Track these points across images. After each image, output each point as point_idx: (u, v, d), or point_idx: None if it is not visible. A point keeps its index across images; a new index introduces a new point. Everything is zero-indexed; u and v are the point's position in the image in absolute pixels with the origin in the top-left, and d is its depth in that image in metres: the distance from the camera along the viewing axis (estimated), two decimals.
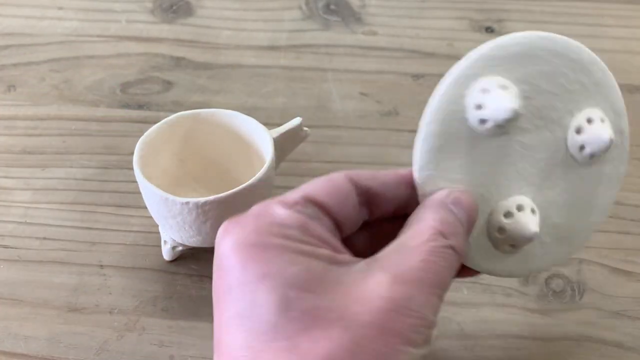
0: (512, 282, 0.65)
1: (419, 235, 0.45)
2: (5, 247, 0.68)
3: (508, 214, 0.49)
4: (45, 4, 0.97)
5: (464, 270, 0.50)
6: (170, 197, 0.59)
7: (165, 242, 0.66)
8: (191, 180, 0.70)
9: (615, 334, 0.61)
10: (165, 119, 0.66)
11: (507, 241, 0.49)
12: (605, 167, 0.52)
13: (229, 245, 0.44)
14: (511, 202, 0.49)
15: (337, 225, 0.46)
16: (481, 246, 0.50)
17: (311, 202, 0.45)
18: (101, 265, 0.67)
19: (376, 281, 0.41)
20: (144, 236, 0.69)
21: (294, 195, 0.45)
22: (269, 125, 0.66)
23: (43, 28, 0.94)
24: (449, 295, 0.59)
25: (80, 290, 0.65)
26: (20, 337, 0.61)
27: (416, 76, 0.85)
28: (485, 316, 0.63)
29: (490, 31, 0.92)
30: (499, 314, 0.63)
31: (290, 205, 0.44)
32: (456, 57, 0.87)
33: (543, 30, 0.89)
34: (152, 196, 0.61)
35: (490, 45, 0.50)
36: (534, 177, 0.50)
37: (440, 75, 0.83)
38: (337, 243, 0.45)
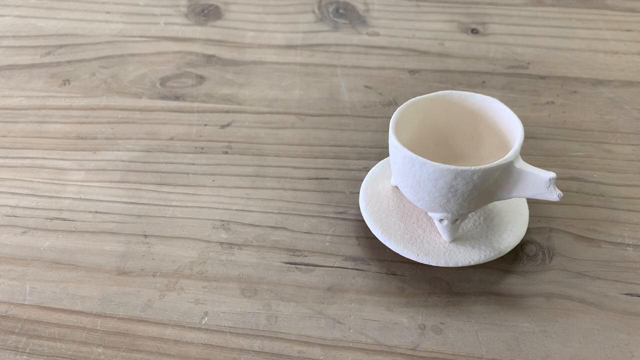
0: None
1: None
2: (64, 219, 0.69)
3: None
4: (95, 9, 0.98)
5: None
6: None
7: (441, 220, 0.62)
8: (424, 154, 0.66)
9: (579, 292, 0.62)
10: (413, 99, 0.64)
11: None
12: None
13: None
14: None
15: None
16: None
17: None
18: (145, 235, 0.67)
19: None
20: (181, 210, 0.70)
21: None
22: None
23: (92, 30, 0.94)
24: None
25: (127, 256, 0.65)
26: (77, 297, 0.62)
27: (412, 71, 0.85)
28: (469, 276, 0.63)
29: (475, 32, 0.92)
30: (481, 275, 0.63)
31: None
32: (447, 55, 0.89)
33: (519, 30, 0.90)
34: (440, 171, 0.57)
35: None
36: None
37: (432, 71, 0.86)
38: None
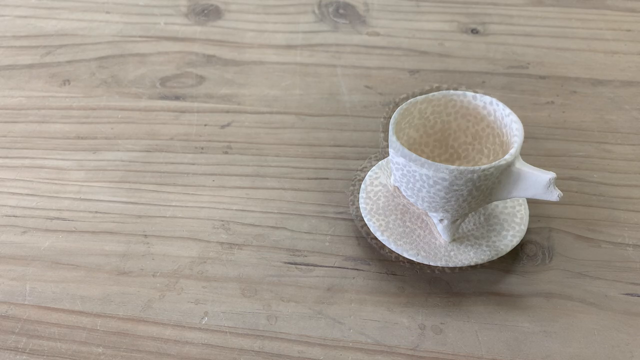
0: None
1: None
2: (64, 219, 0.69)
3: None
4: (95, 9, 0.98)
5: None
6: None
7: (441, 220, 0.62)
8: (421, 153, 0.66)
9: (579, 291, 0.62)
10: (412, 100, 0.63)
11: None
12: None
13: None
14: None
15: None
16: None
17: None
18: (145, 235, 0.67)
19: None
20: (181, 210, 0.70)
21: None
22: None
23: (93, 30, 0.94)
24: None
25: (127, 256, 0.65)
26: (77, 297, 0.62)
27: (412, 71, 0.85)
28: (469, 276, 0.64)
29: (475, 32, 0.92)
30: (481, 275, 0.64)
31: None
32: (446, 55, 0.89)
33: (519, 30, 0.90)
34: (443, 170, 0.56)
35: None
36: None
37: (432, 71, 0.86)
38: None
